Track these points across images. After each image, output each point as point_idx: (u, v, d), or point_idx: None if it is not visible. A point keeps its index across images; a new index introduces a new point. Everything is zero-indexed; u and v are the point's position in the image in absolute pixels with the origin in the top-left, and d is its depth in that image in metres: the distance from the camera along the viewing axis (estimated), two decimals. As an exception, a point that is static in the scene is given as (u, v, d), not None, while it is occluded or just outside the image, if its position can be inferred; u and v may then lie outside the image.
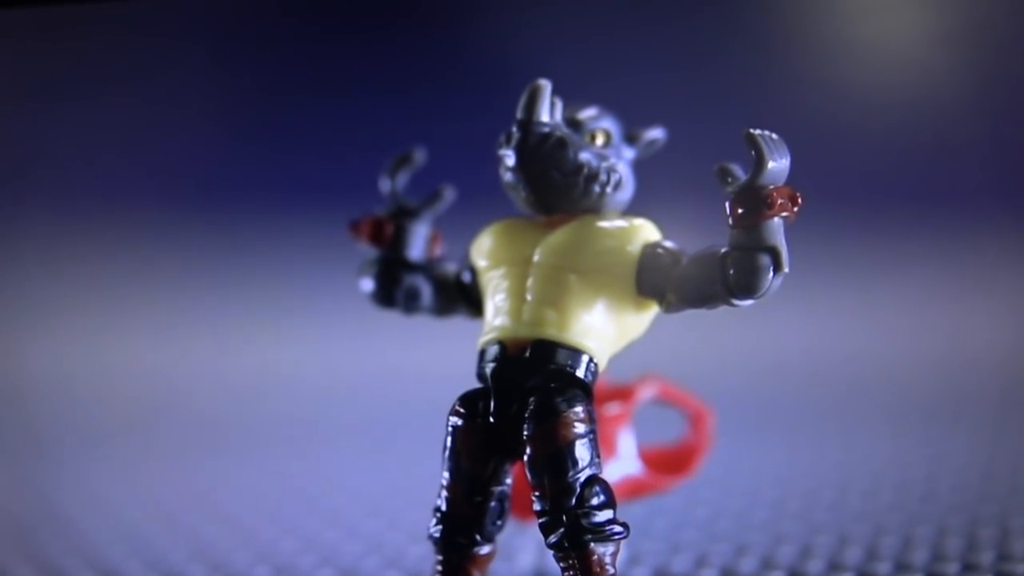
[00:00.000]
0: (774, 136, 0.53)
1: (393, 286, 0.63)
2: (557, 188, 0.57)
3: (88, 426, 1.00)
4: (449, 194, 0.64)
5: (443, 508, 0.57)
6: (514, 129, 0.56)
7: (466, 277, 0.62)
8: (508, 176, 0.58)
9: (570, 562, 0.55)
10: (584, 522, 0.54)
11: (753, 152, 0.53)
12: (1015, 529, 0.74)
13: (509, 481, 0.58)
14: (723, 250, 0.54)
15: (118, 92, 0.69)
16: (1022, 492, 0.83)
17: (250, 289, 0.85)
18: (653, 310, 0.58)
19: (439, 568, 0.58)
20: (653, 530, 0.76)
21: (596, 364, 0.57)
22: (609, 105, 0.59)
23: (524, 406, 0.55)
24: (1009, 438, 0.94)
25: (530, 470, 0.55)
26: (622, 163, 0.59)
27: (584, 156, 0.57)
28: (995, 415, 0.92)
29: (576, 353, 0.56)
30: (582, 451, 0.55)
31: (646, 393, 0.71)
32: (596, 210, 0.58)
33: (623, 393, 0.70)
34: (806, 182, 0.53)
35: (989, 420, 0.92)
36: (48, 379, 0.91)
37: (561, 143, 0.56)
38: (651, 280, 0.57)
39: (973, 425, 0.94)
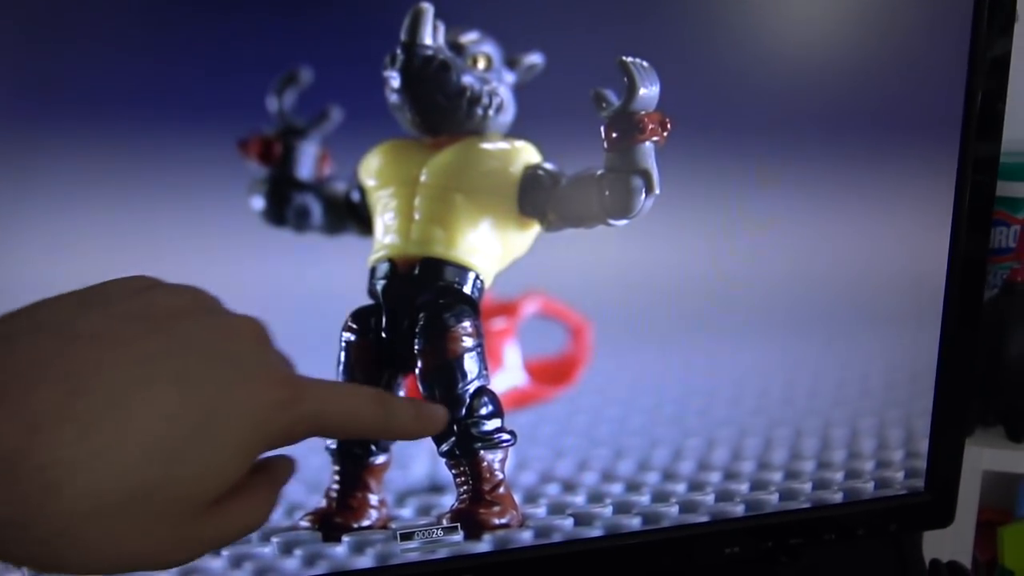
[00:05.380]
0: (645, 64, 0.50)
1: (283, 204, 0.58)
2: (441, 110, 0.53)
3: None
4: (336, 115, 0.58)
5: (340, 420, 0.53)
6: (398, 51, 0.52)
7: (355, 196, 0.57)
8: (394, 97, 0.53)
9: (461, 469, 0.53)
10: (474, 431, 0.52)
11: (626, 79, 0.50)
12: (864, 430, 0.73)
13: (402, 393, 0.55)
14: (599, 172, 0.52)
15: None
16: (871, 396, 0.81)
17: (149, 205, 0.78)
18: (535, 229, 0.55)
19: (337, 478, 0.55)
20: (538, 437, 0.73)
21: (482, 281, 0.54)
22: (489, 30, 0.54)
23: (414, 322, 0.52)
24: (860, 347, 0.92)
25: (422, 383, 0.52)
26: (503, 87, 0.55)
27: (467, 79, 0.53)
28: (848, 326, 0.91)
29: (463, 270, 0.53)
30: (470, 364, 0.52)
31: (530, 308, 0.67)
32: (479, 132, 0.54)
33: (508, 308, 0.66)
34: (675, 108, 0.49)
35: (842, 330, 0.91)
36: (30, 280, 0.84)
37: (444, 66, 0.52)
38: (532, 200, 0.53)
39: (827, 335, 0.92)
